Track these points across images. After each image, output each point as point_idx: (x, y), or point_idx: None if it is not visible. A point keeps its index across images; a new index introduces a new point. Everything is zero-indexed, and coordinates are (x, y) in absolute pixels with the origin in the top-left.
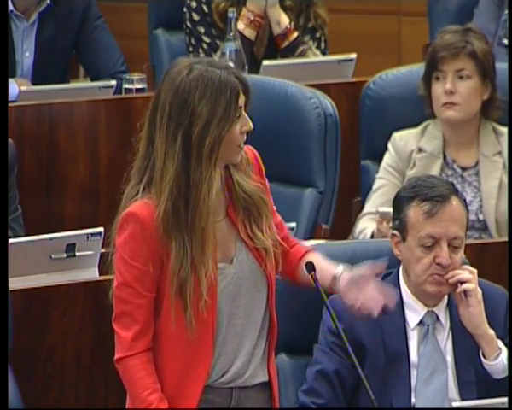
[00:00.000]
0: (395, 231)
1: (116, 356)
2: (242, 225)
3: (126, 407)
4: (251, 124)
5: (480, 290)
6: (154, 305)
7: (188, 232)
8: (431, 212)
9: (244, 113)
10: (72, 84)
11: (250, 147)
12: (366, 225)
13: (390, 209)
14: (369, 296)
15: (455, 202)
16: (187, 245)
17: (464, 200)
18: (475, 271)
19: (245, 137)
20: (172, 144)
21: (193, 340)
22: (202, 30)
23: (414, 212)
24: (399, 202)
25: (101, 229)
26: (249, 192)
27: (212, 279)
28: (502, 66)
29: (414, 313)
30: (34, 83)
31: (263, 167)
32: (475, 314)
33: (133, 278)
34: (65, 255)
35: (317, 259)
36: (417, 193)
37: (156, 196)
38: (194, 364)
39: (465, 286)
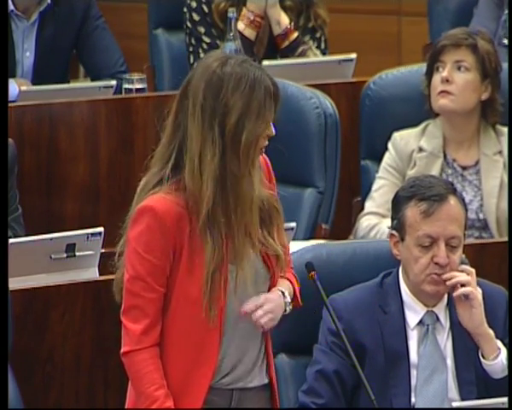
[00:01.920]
0: (394, 231)
1: (123, 349)
2: None
3: (127, 401)
4: (273, 129)
5: (480, 290)
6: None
7: (230, 228)
8: (428, 211)
9: None
10: (72, 84)
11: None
12: (376, 221)
13: None
14: None
15: (453, 201)
16: (223, 238)
17: (463, 199)
18: (473, 271)
19: (267, 142)
20: (209, 132)
21: (200, 338)
22: (202, 30)
23: (412, 211)
24: (398, 202)
25: (101, 229)
26: (263, 199)
27: (224, 279)
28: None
29: (414, 313)
30: (34, 83)
31: (273, 174)
32: (476, 315)
33: (146, 272)
34: (65, 255)
35: (289, 280)
36: (415, 193)
37: (195, 186)
38: (200, 363)
39: (463, 290)
